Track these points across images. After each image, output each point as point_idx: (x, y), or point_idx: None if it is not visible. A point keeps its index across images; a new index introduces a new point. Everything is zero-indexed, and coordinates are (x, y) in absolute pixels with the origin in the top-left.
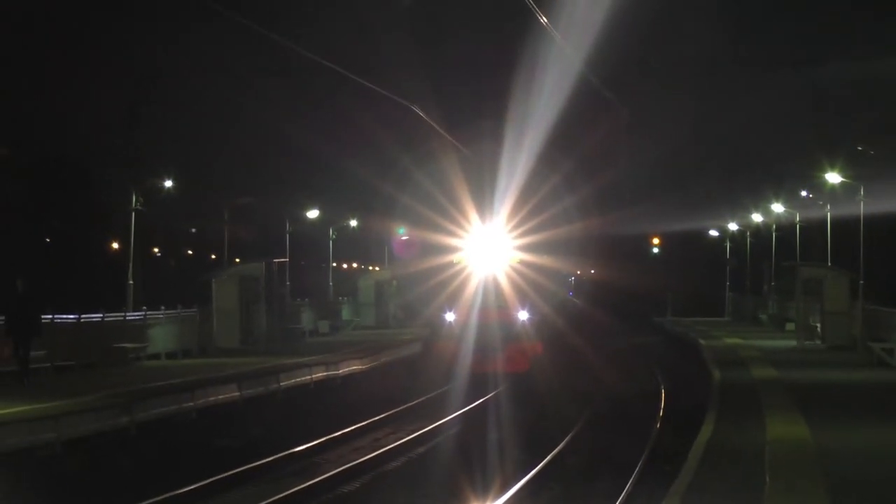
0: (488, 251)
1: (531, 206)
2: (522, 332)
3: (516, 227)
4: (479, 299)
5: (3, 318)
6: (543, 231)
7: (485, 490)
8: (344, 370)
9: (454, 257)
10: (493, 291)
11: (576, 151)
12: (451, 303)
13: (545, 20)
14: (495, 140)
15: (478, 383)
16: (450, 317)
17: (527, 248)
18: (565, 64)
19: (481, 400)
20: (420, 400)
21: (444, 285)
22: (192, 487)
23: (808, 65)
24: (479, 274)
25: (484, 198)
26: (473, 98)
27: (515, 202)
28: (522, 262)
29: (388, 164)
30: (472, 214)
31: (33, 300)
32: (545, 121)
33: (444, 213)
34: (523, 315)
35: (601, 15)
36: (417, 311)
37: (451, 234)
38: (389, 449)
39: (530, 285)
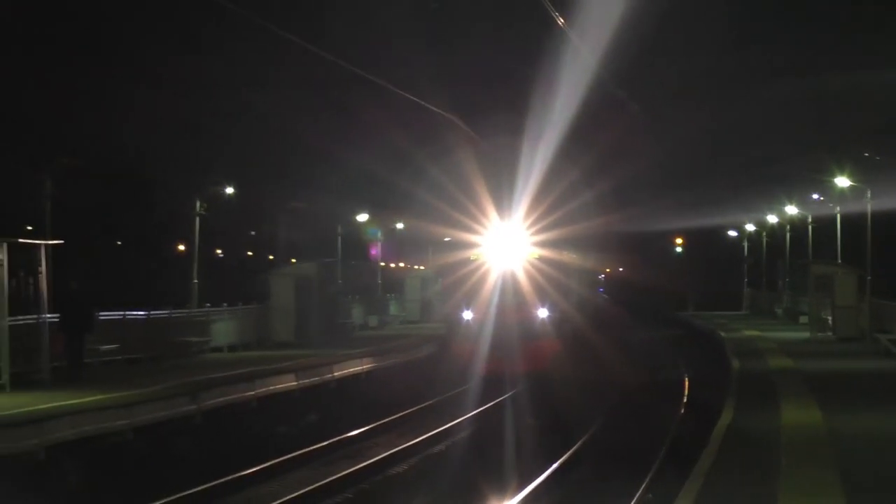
0: (507, 247)
1: (550, 201)
2: (542, 330)
3: (535, 222)
4: (497, 297)
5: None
6: (562, 227)
7: (521, 471)
8: (390, 361)
9: (471, 254)
10: (511, 289)
11: (593, 149)
12: (469, 300)
13: (561, 21)
14: (514, 135)
15: (498, 381)
16: (467, 315)
17: (546, 244)
18: (581, 64)
19: (507, 395)
20: (460, 390)
21: (461, 282)
22: (253, 470)
23: (814, 72)
24: (497, 270)
25: (502, 193)
26: (492, 95)
27: (534, 197)
28: (542, 259)
29: (421, 171)
30: (491, 210)
31: (86, 298)
32: (563, 118)
33: (463, 209)
34: (543, 312)
35: (615, 17)
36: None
37: (470, 230)
38: (432, 434)
39: (550, 282)
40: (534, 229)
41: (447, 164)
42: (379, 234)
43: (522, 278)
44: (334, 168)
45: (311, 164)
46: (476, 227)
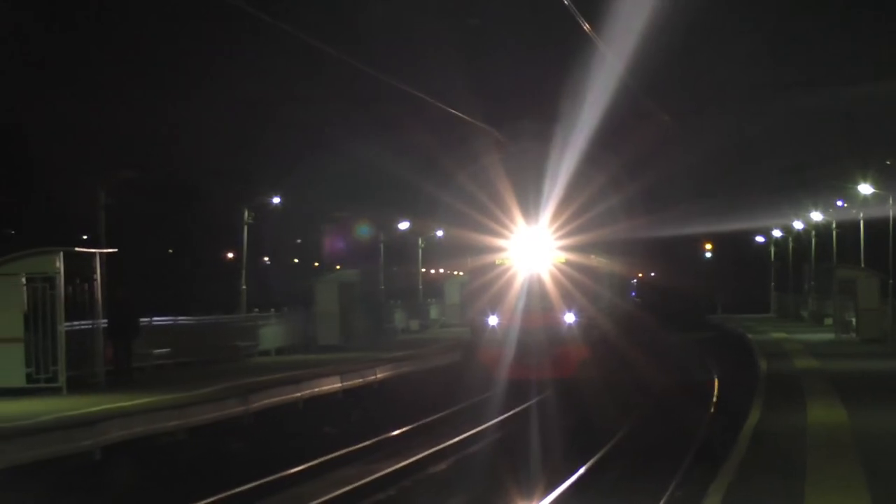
0: (533, 251)
1: (577, 205)
2: (568, 335)
3: (562, 226)
4: (522, 301)
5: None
6: (590, 231)
7: (555, 471)
8: (430, 364)
9: (497, 258)
10: (538, 293)
11: (620, 154)
12: (495, 305)
13: (587, 26)
14: (541, 139)
15: (523, 387)
16: (493, 320)
17: (574, 249)
18: (609, 72)
19: (533, 400)
20: (488, 395)
21: (487, 287)
22: (300, 468)
23: (840, 84)
24: (523, 275)
25: (529, 196)
26: (523, 103)
27: (562, 202)
28: (569, 263)
29: (450, 177)
30: (517, 215)
31: (132, 306)
32: (589, 123)
33: (488, 212)
34: (570, 317)
35: (642, 26)
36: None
37: (497, 234)
38: (470, 435)
39: (577, 286)
40: (561, 233)
41: (474, 170)
42: (368, 233)
43: (549, 282)
44: (376, 178)
45: (354, 175)
46: (503, 231)
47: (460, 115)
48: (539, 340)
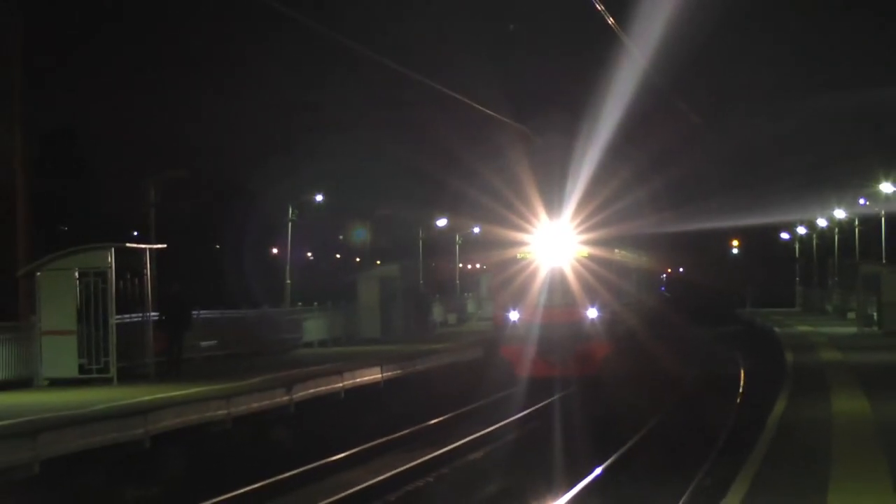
0: (555, 245)
1: (602, 200)
2: (592, 332)
3: (585, 220)
4: (544, 296)
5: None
6: (614, 224)
7: (575, 464)
8: (467, 357)
9: (519, 252)
10: (559, 288)
11: (645, 148)
12: (517, 301)
13: (612, 20)
14: (566, 132)
15: (546, 383)
16: (514, 315)
17: (598, 243)
18: (632, 64)
19: (558, 396)
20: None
21: (509, 282)
22: (341, 455)
23: (867, 87)
24: (545, 269)
25: (553, 190)
26: (554, 99)
27: (585, 194)
28: (592, 257)
29: (479, 174)
30: (539, 208)
31: (185, 299)
32: (614, 116)
33: (511, 206)
34: (593, 313)
35: (666, 18)
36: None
37: (520, 228)
38: (505, 423)
39: (601, 281)
40: (584, 227)
41: (499, 165)
42: (364, 236)
43: (571, 277)
44: (415, 177)
45: (395, 175)
46: (525, 225)
47: (490, 112)
48: (561, 336)
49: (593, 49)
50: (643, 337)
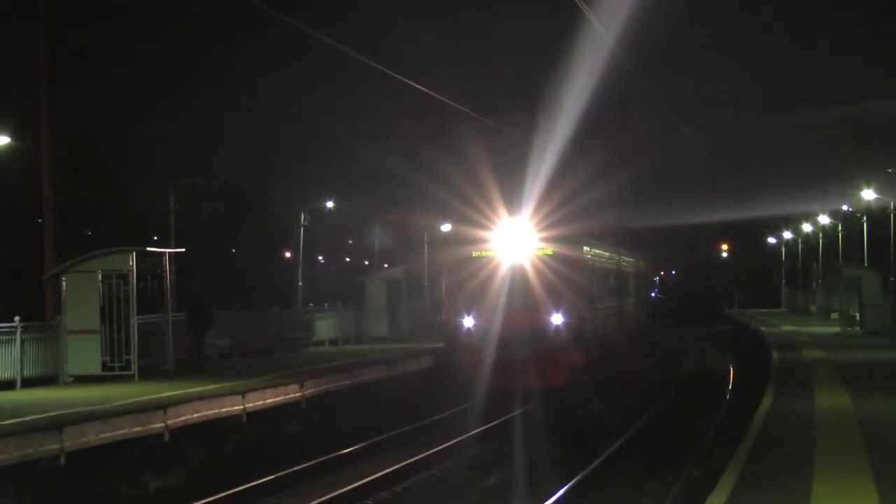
0: (515, 243)
1: (566, 193)
2: (557, 340)
3: (549, 215)
4: (503, 300)
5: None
6: (583, 219)
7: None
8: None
9: (474, 251)
10: (520, 290)
11: (612, 140)
12: (470, 306)
13: (591, 16)
14: (528, 125)
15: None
16: (468, 322)
17: (562, 240)
18: (600, 48)
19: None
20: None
21: (462, 284)
22: (351, 449)
23: (850, 101)
24: (504, 268)
25: (514, 185)
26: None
27: (548, 189)
28: (556, 256)
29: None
30: (500, 205)
31: (207, 300)
32: (578, 106)
33: (471, 203)
34: (558, 318)
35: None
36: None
37: (479, 225)
38: (506, 419)
39: (566, 283)
40: (547, 223)
41: (457, 159)
42: (383, 237)
43: (533, 278)
44: (421, 184)
45: (398, 183)
46: (484, 221)
47: (453, 104)
48: (522, 344)
49: (560, 35)
50: (620, 344)
